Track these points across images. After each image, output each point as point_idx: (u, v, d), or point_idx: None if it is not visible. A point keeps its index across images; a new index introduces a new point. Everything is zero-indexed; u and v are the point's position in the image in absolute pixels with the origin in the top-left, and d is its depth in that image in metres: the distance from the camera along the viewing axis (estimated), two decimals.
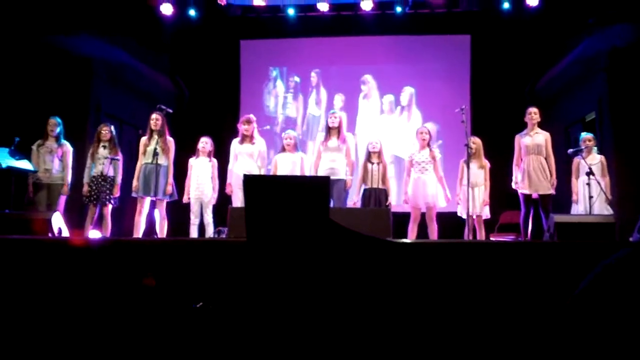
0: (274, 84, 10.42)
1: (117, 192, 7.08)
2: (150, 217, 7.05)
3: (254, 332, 2.35)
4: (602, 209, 6.68)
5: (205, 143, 7.33)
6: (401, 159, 9.07)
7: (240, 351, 2.56)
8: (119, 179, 7.14)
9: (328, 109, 9.61)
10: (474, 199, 6.90)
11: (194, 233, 7.15)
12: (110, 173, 7.04)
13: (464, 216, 7.10)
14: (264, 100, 10.38)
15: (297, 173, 7.09)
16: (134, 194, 7.02)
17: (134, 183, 6.99)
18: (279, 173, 7.08)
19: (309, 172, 7.24)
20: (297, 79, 10.32)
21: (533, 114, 6.98)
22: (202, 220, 7.19)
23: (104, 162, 7.03)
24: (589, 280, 1.72)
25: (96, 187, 6.99)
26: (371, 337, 2.25)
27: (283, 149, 7.33)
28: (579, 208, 6.92)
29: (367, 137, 8.24)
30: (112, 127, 7.30)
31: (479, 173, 7.05)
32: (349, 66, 10.20)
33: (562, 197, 7.58)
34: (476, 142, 7.15)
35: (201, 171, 7.25)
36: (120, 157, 7.18)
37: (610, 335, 1.61)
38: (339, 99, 9.90)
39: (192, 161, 7.32)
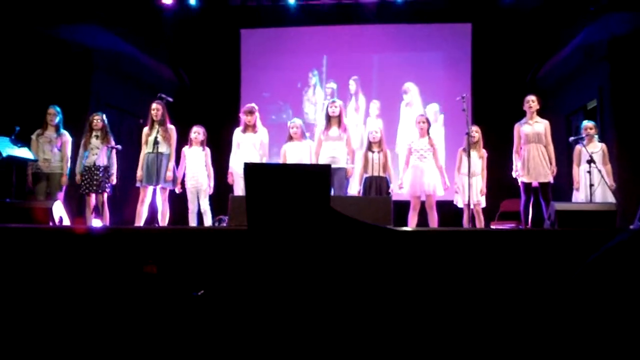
0: (313, 91, 10.21)
1: (113, 180, 7.09)
2: (152, 206, 7.09)
3: (254, 320, 2.36)
4: (606, 196, 6.67)
5: (197, 132, 7.31)
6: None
7: (241, 339, 2.57)
8: (114, 168, 7.15)
9: (366, 116, 9.61)
10: (471, 188, 6.93)
11: (192, 221, 7.18)
12: (104, 162, 7.06)
13: (460, 205, 7.14)
14: (303, 108, 10.16)
15: (307, 161, 7.10)
16: (138, 184, 7.07)
17: (138, 173, 7.04)
18: (288, 162, 7.06)
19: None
20: (333, 85, 10.05)
21: (531, 102, 6.97)
22: (199, 208, 7.22)
23: (97, 152, 7.05)
24: (588, 263, 1.72)
25: (88, 177, 7.02)
26: (372, 324, 2.26)
27: (290, 138, 7.29)
28: (580, 196, 6.93)
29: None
30: (104, 116, 7.28)
31: (478, 162, 7.08)
32: (348, 54, 10.11)
33: (563, 185, 7.59)
34: (478, 131, 7.17)
35: (195, 160, 7.26)
36: (112, 145, 7.17)
37: (607, 320, 1.62)
38: (374, 107, 9.53)
39: (186, 150, 7.34)
